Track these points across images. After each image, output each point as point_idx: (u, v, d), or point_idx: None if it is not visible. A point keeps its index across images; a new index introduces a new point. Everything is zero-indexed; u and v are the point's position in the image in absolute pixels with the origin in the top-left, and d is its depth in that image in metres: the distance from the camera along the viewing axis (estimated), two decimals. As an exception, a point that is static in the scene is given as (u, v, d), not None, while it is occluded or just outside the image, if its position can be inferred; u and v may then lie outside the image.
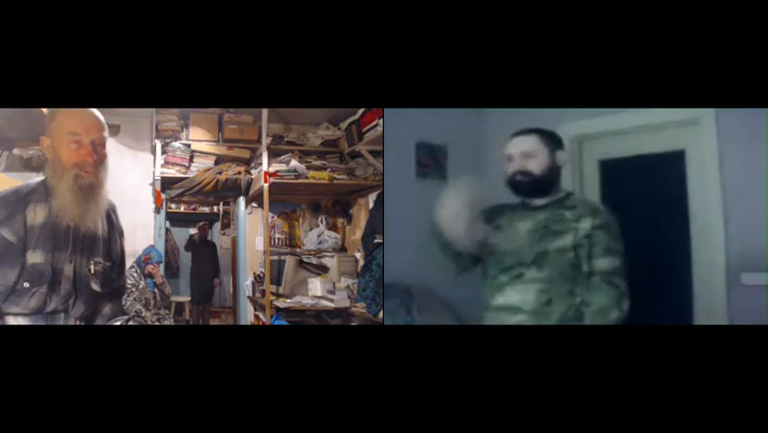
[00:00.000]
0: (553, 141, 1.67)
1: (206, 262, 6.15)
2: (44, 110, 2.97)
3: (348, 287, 3.24)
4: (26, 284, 1.39)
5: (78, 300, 1.46)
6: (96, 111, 1.49)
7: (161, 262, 3.66)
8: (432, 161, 3.09)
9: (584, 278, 1.56)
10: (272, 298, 3.40)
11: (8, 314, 1.40)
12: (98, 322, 1.57)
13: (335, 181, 3.58)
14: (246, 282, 4.12)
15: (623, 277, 1.56)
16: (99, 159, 1.46)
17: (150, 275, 3.59)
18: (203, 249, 6.22)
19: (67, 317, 1.46)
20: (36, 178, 1.53)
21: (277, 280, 3.60)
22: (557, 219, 1.60)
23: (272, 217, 4.19)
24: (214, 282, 6.17)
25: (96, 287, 1.49)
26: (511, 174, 1.66)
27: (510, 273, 1.61)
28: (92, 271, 1.49)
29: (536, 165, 1.63)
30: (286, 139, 3.85)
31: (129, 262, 3.29)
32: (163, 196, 3.81)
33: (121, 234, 1.65)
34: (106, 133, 1.48)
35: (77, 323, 1.48)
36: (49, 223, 1.43)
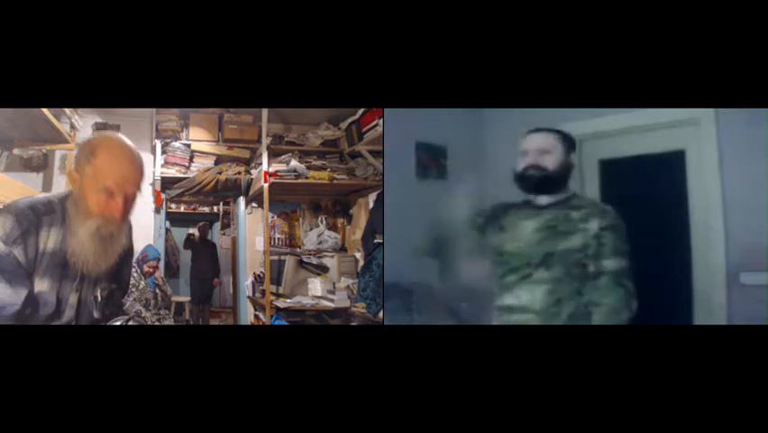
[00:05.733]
0: (568, 141, 1.69)
1: (206, 262, 6.16)
2: (50, 117, 2.97)
3: (348, 287, 3.24)
4: (28, 310, 1.32)
5: (78, 323, 1.42)
6: (137, 158, 1.39)
7: (158, 258, 3.66)
8: (432, 161, 3.09)
9: (591, 278, 1.56)
10: (272, 298, 3.40)
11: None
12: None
13: (335, 181, 3.58)
14: (246, 282, 4.12)
15: (630, 277, 1.56)
16: (126, 212, 1.39)
17: (149, 274, 3.59)
18: (203, 249, 6.23)
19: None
20: (54, 194, 1.43)
21: (277, 280, 3.60)
22: (564, 219, 1.61)
23: (272, 217, 4.19)
24: (214, 282, 6.18)
25: (96, 315, 1.44)
26: (523, 168, 1.66)
27: (518, 274, 1.62)
28: (99, 298, 1.43)
29: (551, 161, 1.64)
30: (286, 139, 3.85)
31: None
32: (163, 196, 3.81)
33: (131, 255, 1.60)
34: (142, 186, 1.39)
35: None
36: (60, 251, 1.35)
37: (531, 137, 1.69)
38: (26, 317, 1.33)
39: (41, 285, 1.34)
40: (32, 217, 1.32)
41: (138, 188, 1.38)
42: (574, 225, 1.58)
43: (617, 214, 1.63)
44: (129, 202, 1.38)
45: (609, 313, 1.52)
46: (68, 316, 1.40)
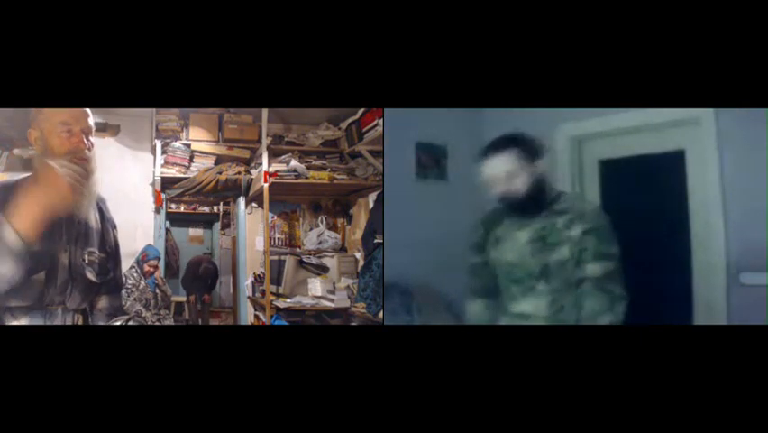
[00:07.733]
0: (531, 150, 1.60)
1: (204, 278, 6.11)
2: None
3: (348, 287, 3.24)
4: (23, 273, 1.38)
5: (75, 290, 1.48)
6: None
7: (158, 258, 3.66)
8: (432, 161, 3.09)
9: (578, 283, 1.56)
10: (272, 298, 3.40)
11: (8, 308, 1.39)
12: (97, 318, 1.58)
13: (335, 181, 3.58)
14: (246, 282, 4.12)
15: (617, 281, 1.52)
16: (89, 147, 1.48)
17: (149, 273, 3.58)
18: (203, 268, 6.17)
19: (65, 310, 1.47)
20: (21, 174, 1.53)
21: (277, 280, 3.60)
22: (551, 229, 1.59)
23: (272, 217, 4.18)
24: (204, 298, 6.10)
25: (91, 276, 1.51)
26: (499, 197, 1.62)
27: (522, 285, 1.63)
28: (86, 261, 1.50)
29: (521, 183, 1.58)
30: (286, 139, 3.85)
31: (127, 260, 3.28)
32: (163, 196, 3.81)
33: (113, 226, 1.66)
34: (92, 122, 1.51)
35: (75, 317, 1.49)
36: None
37: (492, 163, 1.59)
38: (23, 280, 1.38)
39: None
40: (2, 191, 1.42)
41: (89, 121, 1.49)
42: (560, 235, 1.56)
43: (600, 214, 1.60)
44: (88, 135, 1.48)
45: (588, 318, 1.52)
46: (62, 277, 1.45)
